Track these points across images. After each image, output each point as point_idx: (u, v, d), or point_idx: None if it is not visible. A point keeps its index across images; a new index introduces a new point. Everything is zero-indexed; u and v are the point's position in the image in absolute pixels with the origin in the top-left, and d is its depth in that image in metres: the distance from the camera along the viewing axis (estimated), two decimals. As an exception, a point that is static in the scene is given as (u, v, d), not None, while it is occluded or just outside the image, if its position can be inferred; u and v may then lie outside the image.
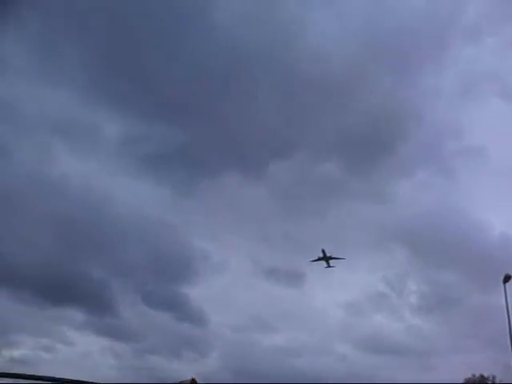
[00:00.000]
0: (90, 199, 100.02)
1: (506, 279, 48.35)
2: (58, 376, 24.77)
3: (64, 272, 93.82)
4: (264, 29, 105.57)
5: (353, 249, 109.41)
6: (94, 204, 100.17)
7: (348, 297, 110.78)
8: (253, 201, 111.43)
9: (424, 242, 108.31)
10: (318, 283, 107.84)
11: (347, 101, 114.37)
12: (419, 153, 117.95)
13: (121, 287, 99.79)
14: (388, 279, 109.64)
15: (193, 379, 66.32)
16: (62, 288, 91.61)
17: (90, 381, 26.18)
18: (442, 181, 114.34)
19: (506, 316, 47.45)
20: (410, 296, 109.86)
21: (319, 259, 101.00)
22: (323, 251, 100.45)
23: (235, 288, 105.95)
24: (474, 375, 79.27)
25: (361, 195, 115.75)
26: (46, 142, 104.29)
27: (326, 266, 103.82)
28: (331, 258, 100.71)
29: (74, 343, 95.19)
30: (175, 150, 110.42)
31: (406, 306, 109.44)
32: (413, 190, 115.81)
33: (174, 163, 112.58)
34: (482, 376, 79.42)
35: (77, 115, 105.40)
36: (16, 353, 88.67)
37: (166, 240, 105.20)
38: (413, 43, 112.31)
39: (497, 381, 78.48)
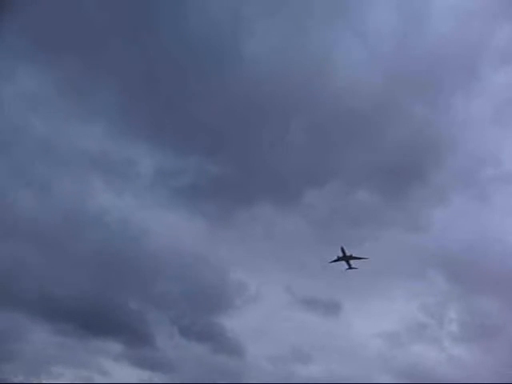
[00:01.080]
0: (128, 232, 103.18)
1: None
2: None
3: (102, 304, 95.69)
4: (295, 61, 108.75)
5: (390, 277, 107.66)
6: (132, 237, 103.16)
7: (386, 326, 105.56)
8: (288, 230, 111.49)
9: (463, 268, 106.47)
10: (355, 312, 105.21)
11: (379, 130, 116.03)
12: (454, 179, 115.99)
13: (158, 319, 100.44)
14: (427, 307, 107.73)
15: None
16: (100, 320, 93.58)
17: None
18: (479, 207, 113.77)
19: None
20: (450, 324, 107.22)
21: (339, 259, 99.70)
22: (342, 250, 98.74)
23: (271, 318, 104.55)
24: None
25: (396, 223, 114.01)
26: (84, 177, 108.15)
27: (346, 267, 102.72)
28: (352, 257, 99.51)
29: (111, 374, 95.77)
30: (209, 182, 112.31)
31: (446, 334, 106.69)
32: (449, 216, 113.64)
33: (208, 195, 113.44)
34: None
35: (112, 150, 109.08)
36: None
37: (201, 271, 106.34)
38: (443, 70, 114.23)
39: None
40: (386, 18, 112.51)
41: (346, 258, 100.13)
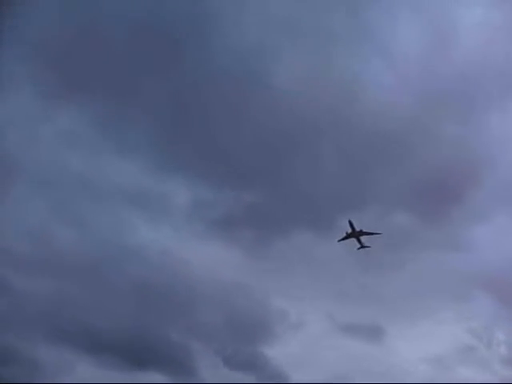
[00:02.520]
0: (167, 264, 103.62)
1: None
2: None
3: (145, 336, 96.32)
4: (322, 87, 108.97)
5: (434, 299, 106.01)
6: (171, 269, 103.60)
7: (433, 350, 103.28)
8: (327, 256, 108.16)
9: (509, 288, 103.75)
10: (399, 337, 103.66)
11: (413, 151, 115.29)
12: (494, 197, 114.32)
13: (201, 349, 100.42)
14: (474, 329, 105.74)
15: None
16: (143, 352, 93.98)
17: None
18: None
19: None
20: (498, 347, 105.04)
21: (348, 236, 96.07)
22: (351, 224, 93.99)
23: (314, 346, 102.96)
24: None
25: (436, 244, 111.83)
26: (122, 211, 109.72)
27: (358, 246, 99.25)
28: (362, 233, 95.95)
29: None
30: (245, 212, 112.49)
31: (495, 357, 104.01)
32: (491, 235, 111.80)
33: (244, 224, 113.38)
34: None
35: (148, 184, 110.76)
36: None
37: (242, 301, 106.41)
38: (474, 88, 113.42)
39: None
40: (412, 38, 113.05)
41: (356, 235, 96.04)
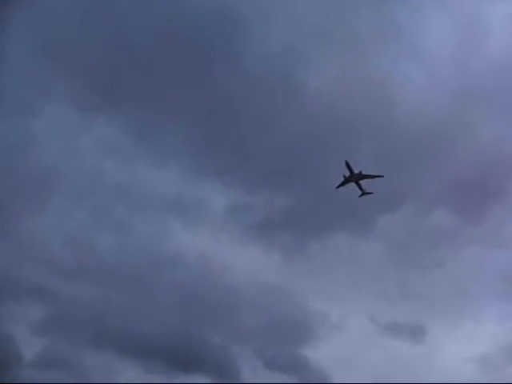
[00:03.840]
0: (206, 269, 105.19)
1: None
2: None
3: (187, 340, 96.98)
4: (355, 89, 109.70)
5: (478, 298, 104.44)
6: (211, 273, 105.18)
7: (478, 349, 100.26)
8: (365, 257, 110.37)
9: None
10: (442, 336, 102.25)
11: (449, 149, 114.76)
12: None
13: (242, 352, 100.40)
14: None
15: None
16: (186, 356, 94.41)
17: None
18: None
19: None
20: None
21: (346, 181, 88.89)
22: (348, 165, 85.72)
23: (355, 347, 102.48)
24: None
25: (476, 241, 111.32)
26: (160, 218, 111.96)
27: (360, 194, 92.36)
28: (362, 176, 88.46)
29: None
30: (282, 215, 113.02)
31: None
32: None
33: (281, 227, 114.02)
34: None
35: (186, 191, 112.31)
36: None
37: (282, 304, 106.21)
38: (509, 81, 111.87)
39: None
40: (442, 36, 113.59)
41: (355, 178, 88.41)
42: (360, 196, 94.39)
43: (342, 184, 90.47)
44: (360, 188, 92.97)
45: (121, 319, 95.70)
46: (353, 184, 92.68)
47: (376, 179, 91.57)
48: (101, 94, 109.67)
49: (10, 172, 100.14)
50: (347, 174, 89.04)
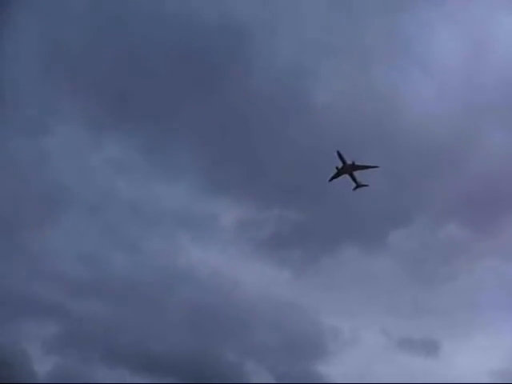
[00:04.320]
0: (218, 285, 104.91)
1: None
2: None
3: (200, 357, 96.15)
4: (363, 102, 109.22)
5: (491, 311, 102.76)
6: (221, 289, 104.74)
7: (493, 363, 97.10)
8: (377, 271, 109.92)
9: None
10: (456, 350, 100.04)
11: (460, 162, 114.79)
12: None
13: (255, 369, 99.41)
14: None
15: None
16: (197, 372, 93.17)
17: None
18: None
19: None
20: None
21: (339, 173, 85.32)
22: (340, 156, 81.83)
23: (368, 362, 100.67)
24: None
25: (490, 254, 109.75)
26: (171, 234, 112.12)
27: (354, 186, 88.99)
28: (355, 167, 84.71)
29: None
30: (292, 230, 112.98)
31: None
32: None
33: (292, 242, 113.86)
34: None
35: (196, 206, 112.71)
36: None
37: (294, 319, 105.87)
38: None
39: None
40: (449, 49, 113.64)
41: (348, 169, 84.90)
42: (354, 189, 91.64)
43: (335, 176, 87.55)
44: (354, 180, 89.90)
45: (133, 336, 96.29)
46: (346, 176, 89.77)
47: (370, 170, 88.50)
48: (111, 112, 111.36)
49: (22, 190, 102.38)
50: (340, 165, 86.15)
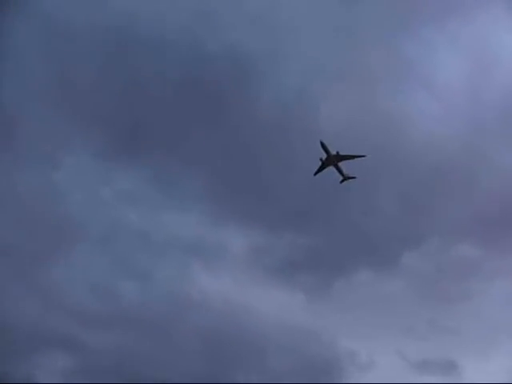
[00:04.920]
0: (230, 313, 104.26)
1: None
2: None
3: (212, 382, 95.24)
4: (369, 123, 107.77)
5: (508, 330, 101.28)
6: (235, 317, 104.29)
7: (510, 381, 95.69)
8: (391, 293, 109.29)
9: None
10: (474, 371, 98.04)
11: (470, 181, 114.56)
12: None
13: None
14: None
15: None
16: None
17: None
18: None
19: None
20: None
21: (324, 165, 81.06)
22: (323, 146, 77.68)
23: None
24: None
25: (504, 273, 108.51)
26: (182, 263, 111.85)
27: (341, 179, 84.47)
28: (340, 157, 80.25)
29: None
30: (304, 255, 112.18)
31: None
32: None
33: (304, 267, 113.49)
34: None
35: (205, 235, 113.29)
36: None
37: (309, 344, 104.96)
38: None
39: None
40: (453, 68, 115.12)
41: (333, 160, 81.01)
42: (341, 182, 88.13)
43: (320, 169, 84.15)
44: (340, 172, 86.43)
45: (146, 366, 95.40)
46: (331, 168, 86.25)
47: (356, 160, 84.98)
48: (120, 143, 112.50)
49: (34, 223, 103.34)
50: (324, 156, 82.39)
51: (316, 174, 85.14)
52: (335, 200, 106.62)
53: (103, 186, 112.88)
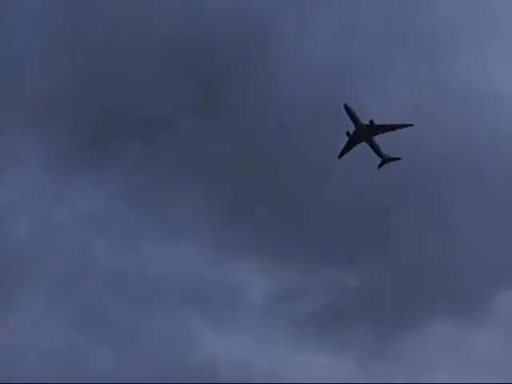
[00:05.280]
0: (249, 380, 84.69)
1: None
2: None
3: None
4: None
5: None
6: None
7: None
8: (479, 349, 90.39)
9: None
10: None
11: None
12: None
13: None
14: None
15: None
16: None
17: None
18: None
19: None
20: None
21: (352, 140, 64.85)
22: (348, 110, 62.52)
23: None
24: None
25: None
26: (175, 317, 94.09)
27: (379, 163, 68.38)
28: (375, 128, 63.74)
29: None
30: (350, 300, 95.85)
31: None
32: None
33: (351, 317, 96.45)
34: None
35: (208, 275, 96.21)
36: None
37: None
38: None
39: None
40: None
41: (366, 134, 63.75)
42: (380, 166, 70.20)
43: (347, 148, 67.09)
44: (377, 152, 68.18)
45: None
46: (365, 145, 68.40)
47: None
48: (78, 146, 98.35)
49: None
50: (352, 129, 65.47)
51: (341, 156, 68.96)
52: (388, 227, 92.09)
53: (57, 206, 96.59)
